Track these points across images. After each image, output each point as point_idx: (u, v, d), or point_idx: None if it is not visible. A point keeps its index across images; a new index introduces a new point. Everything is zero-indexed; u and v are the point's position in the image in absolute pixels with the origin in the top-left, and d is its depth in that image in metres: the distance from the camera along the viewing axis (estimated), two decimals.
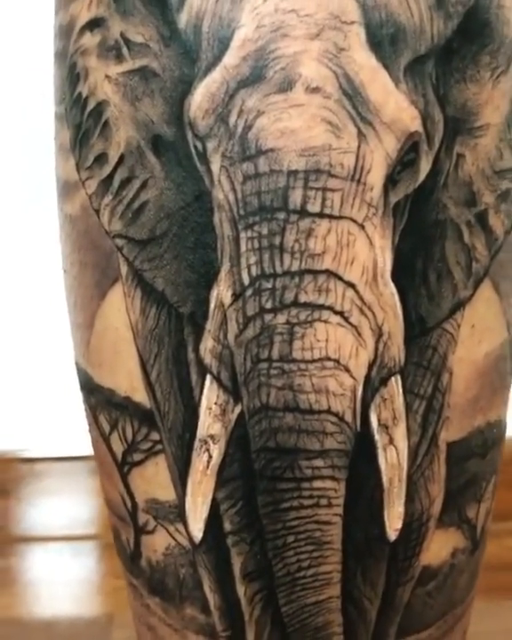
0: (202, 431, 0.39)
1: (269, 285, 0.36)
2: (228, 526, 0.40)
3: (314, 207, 0.36)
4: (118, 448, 0.43)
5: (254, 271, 0.36)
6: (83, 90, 0.39)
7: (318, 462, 0.38)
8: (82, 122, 0.40)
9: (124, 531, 0.46)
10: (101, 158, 0.39)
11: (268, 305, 0.36)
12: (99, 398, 0.44)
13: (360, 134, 0.35)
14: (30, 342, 1.08)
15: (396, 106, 0.35)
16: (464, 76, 0.37)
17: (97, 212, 0.40)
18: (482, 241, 0.39)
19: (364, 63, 0.35)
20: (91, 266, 0.41)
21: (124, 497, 0.44)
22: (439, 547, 0.42)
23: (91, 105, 0.39)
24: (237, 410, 0.38)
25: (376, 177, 0.36)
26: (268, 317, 0.37)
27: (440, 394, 0.40)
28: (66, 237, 0.43)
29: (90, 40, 0.39)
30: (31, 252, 0.98)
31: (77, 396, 0.47)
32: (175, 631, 0.45)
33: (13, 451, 1.25)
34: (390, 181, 0.36)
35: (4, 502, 1.25)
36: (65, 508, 1.21)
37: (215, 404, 0.39)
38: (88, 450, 0.48)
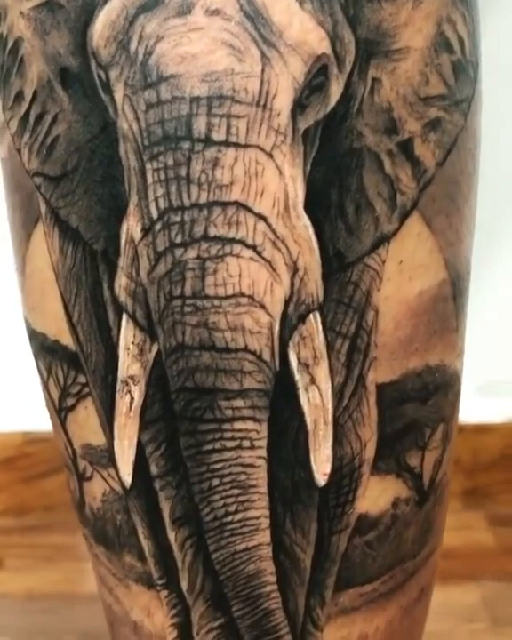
0: (122, 372, 0.38)
1: (178, 219, 0.35)
2: (154, 470, 0.40)
3: (219, 135, 0.34)
4: (55, 394, 0.43)
5: (162, 204, 0.35)
6: (3, 30, 0.39)
7: (238, 402, 0.37)
8: (3, 61, 0.39)
9: (71, 479, 0.45)
10: (19, 96, 0.39)
11: (178, 239, 0.35)
12: (35, 344, 0.43)
13: (264, 57, 0.34)
14: None
15: (301, 27, 0.34)
16: None
17: (19, 151, 0.39)
18: (407, 172, 0.37)
19: None
20: (18, 208, 0.41)
21: (65, 444, 0.44)
22: (377, 495, 0.41)
23: (9, 43, 0.39)
24: (155, 349, 0.37)
25: (283, 102, 0.34)
26: (178, 252, 0.36)
27: (365, 332, 0.38)
28: (3, 182, 0.43)
29: None
30: None
31: None
32: (119, 581, 0.44)
33: None
34: (298, 106, 0.35)
35: (57, 480, 1.27)
36: None
37: (132, 343, 0.38)
38: None
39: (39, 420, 1.24)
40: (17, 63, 0.38)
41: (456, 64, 0.38)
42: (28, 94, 0.38)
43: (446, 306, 0.40)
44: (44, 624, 1.04)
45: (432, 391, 0.41)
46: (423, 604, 0.47)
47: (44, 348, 0.42)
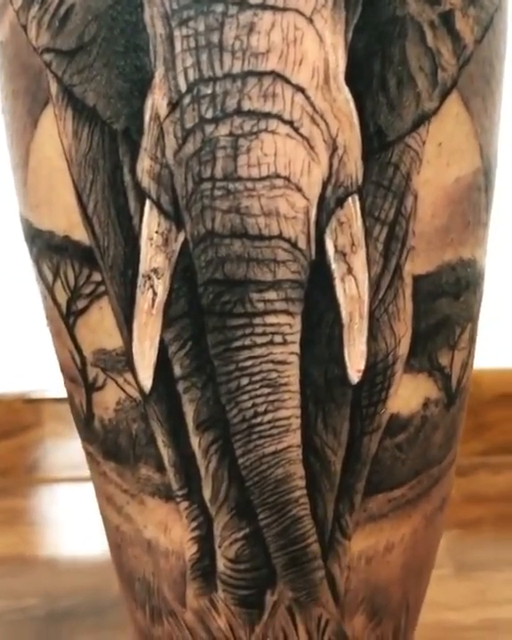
0: (144, 265, 0.36)
1: (209, 91, 0.33)
2: (177, 371, 0.37)
3: None
4: (62, 298, 0.40)
5: (191, 75, 0.33)
6: None
7: (271, 294, 0.35)
8: None
9: (77, 393, 0.43)
10: None
11: (209, 114, 0.33)
12: (40, 246, 0.40)
13: None
14: (36, 282, 1.05)
15: None
16: None
17: (24, 28, 0.36)
18: (448, 46, 0.35)
19: None
20: (21, 93, 0.38)
21: (72, 353, 0.41)
22: (409, 394, 0.39)
23: None
24: (181, 238, 0.35)
25: None
26: (208, 129, 0.33)
27: (403, 219, 0.36)
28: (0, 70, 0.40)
29: None
30: None
31: None
32: (132, 497, 0.42)
33: (18, 392, 1.24)
34: None
35: (10, 444, 1.24)
36: (71, 449, 1.20)
37: (156, 232, 0.35)
38: None
39: None
40: None
41: None
42: None
43: (479, 197, 0.39)
44: (4, 586, 1.03)
45: (464, 287, 0.39)
46: (443, 514, 0.46)
47: (51, 247, 0.39)
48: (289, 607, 0.41)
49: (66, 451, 1.21)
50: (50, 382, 1.21)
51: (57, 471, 1.22)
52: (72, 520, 1.16)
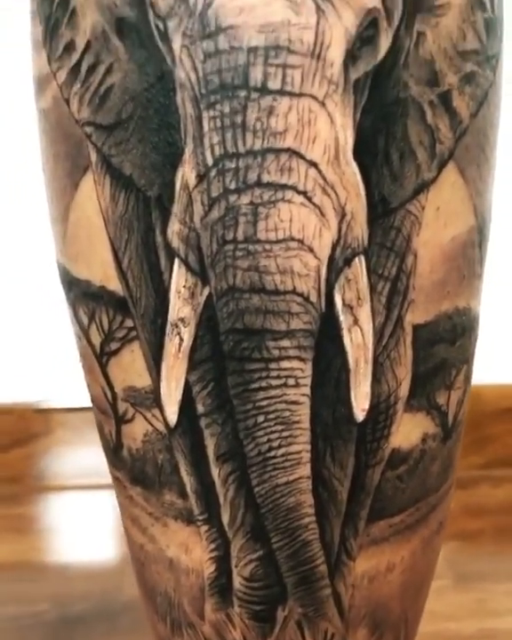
0: (172, 315, 0.40)
1: (233, 165, 0.37)
2: (200, 408, 0.42)
3: (274, 84, 0.36)
4: (96, 339, 0.44)
5: (217, 151, 0.37)
6: None
7: (285, 343, 0.39)
8: (51, 13, 0.40)
9: (107, 424, 0.47)
10: (70, 46, 0.40)
11: (232, 185, 0.37)
12: (76, 292, 0.45)
13: (319, 10, 0.36)
14: (46, 293, 1.09)
15: None
16: None
17: (67, 101, 0.40)
18: (446, 122, 0.39)
19: None
20: (62, 157, 0.42)
21: (104, 389, 0.46)
22: (409, 430, 0.43)
23: None
24: (206, 292, 0.39)
25: (336, 53, 0.36)
26: (232, 198, 0.37)
27: (404, 275, 0.40)
28: (41, 133, 0.44)
29: None
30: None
31: None
32: (156, 520, 0.46)
33: (29, 402, 1.27)
34: (350, 57, 0.36)
35: (21, 452, 1.27)
36: (79, 457, 1.24)
37: (184, 287, 0.39)
38: None
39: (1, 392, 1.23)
40: (68, 14, 0.39)
41: (488, 21, 0.40)
42: (81, 45, 0.39)
43: (473, 252, 0.43)
44: (17, 592, 1.06)
45: (460, 333, 0.43)
46: (440, 537, 0.50)
47: (88, 294, 0.44)
48: (298, 622, 0.45)
49: (74, 459, 1.24)
50: (60, 392, 1.25)
51: (66, 479, 1.25)
52: (81, 526, 1.19)
